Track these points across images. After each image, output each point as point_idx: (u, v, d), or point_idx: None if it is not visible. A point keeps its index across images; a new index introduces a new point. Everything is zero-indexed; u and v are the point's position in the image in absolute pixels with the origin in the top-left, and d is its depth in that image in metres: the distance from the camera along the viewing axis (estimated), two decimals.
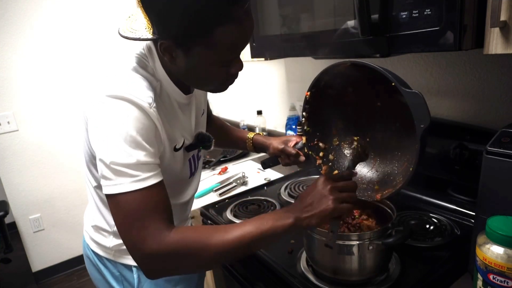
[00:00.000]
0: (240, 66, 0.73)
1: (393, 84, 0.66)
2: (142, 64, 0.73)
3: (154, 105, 0.69)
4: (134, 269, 0.89)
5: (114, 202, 0.66)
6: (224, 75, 0.73)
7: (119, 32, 0.70)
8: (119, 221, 0.66)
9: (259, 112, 1.98)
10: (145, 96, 0.68)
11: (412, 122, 0.65)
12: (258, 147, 1.12)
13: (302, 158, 0.98)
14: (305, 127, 0.86)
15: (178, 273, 0.77)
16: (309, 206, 0.70)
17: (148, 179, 0.66)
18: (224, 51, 0.66)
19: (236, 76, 0.76)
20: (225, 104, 2.48)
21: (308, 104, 0.84)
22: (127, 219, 0.65)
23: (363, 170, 0.87)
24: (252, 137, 1.13)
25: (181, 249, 0.65)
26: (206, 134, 0.90)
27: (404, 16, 0.75)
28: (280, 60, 1.83)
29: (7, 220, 2.30)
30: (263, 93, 2.06)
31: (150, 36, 0.65)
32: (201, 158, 0.99)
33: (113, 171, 0.65)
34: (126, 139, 0.64)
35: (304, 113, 0.85)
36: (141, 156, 0.66)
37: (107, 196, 0.67)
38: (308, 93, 0.84)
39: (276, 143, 1.05)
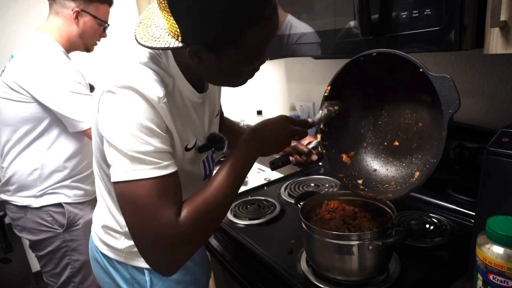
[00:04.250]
0: (264, 60, 0.74)
1: (421, 70, 0.66)
2: (155, 60, 0.72)
3: (164, 100, 0.67)
4: (146, 271, 0.87)
5: (128, 190, 0.63)
6: (249, 72, 0.74)
7: (138, 41, 0.66)
8: (132, 210, 0.64)
9: (259, 112, 1.98)
10: (155, 90, 0.66)
11: (436, 111, 0.65)
12: None
13: (314, 157, 0.95)
14: (321, 126, 0.86)
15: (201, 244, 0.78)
16: (269, 139, 0.80)
17: (169, 167, 0.66)
18: (255, 50, 0.67)
19: (258, 70, 0.76)
20: (225, 104, 2.47)
21: (327, 100, 0.84)
22: (145, 207, 0.63)
23: (381, 170, 0.87)
24: None
25: (197, 227, 0.67)
26: (219, 135, 0.88)
27: (404, 16, 0.75)
28: (280, 60, 1.83)
29: (7, 220, 2.30)
30: (263, 93, 2.06)
31: (179, 44, 0.63)
32: (215, 160, 0.97)
33: (131, 158, 0.63)
34: (141, 127, 0.63)
35: (321, 111, 0.84)
36: (158, 143, 0.65)
37: (120, 183, 0.64)
38: (328, 87, 0.83)
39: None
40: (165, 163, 0.65)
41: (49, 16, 1.40)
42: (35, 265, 2.60)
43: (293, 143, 0.97)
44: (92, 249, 0.96)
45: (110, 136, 0.65)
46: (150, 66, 0.70)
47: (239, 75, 0.73)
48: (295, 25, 1.06)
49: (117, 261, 0.88)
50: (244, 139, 0.77)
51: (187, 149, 0.78)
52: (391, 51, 0.71)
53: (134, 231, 0.65)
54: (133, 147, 0.63)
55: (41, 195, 1.42)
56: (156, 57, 0.72)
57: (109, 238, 0.88)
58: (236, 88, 0.80)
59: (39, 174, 1.41)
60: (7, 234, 2.29)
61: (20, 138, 1.38)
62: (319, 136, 0.88)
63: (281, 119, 0.82)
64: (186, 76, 0.74)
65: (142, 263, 0.86)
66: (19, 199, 1.43)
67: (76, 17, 1.39)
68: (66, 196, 1.45)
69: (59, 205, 1.42)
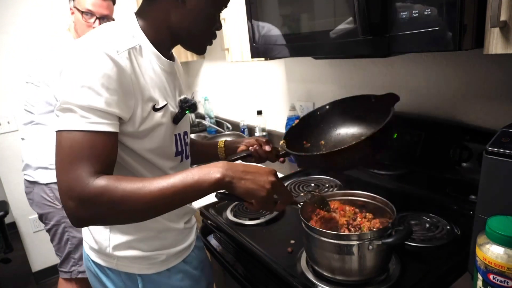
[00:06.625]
0: (220, 26, 0.85)
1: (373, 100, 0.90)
2: (123, 26, 0.76)
3: (126, 52, 0.70)
4: (138, 278, 0.85)
5: (58, 138, 0.66)
6: (211, 31, 0.83)
7: None
8: (57, 159, 0.66)
9: (259, 112, 1.98)
10: (114, 44, 0.69)
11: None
12: (230, 147, 1.10)
13: (268, 147, 1.04)
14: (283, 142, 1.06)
15: (102, 223, 0.77)
16: (248, 175, 0.69)
17: (98, 125, 0.66)
18: None
19: (215, 36, 0.85)
20: (225, 104, 2.48)
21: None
22: (64, 158, 0.64)
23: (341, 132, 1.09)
24: (224, 141, 1.12)
25: (102, 198, 0.63)
26: (188, 98, 0.88)
27: (404, 16, 0.75)
28: (280, 60, 1.83)
29: (7, 220, 2.30)
30: (263, 93, 2.06)
31: None
32: (188, 144, 0.96)
33: (65, 109, 0.65)
34: (84, 82, 0.65)
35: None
36: (95, 101, 0.65)
37: (56, 133, 0.67)
38: (283, 141, 1.05)
39: (249, 138, 1.09)
40: (96, 120, 0.65)
41: None
42: (35, 265, 2.60)
43: (254, 139, 1.07)
44: (85, 259, 0.95)
45: (58, 89, 0.69)
46: (116, 29, 0.74)
47: (206, 28, 0.81)
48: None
49: (108, 268, 0.86)
50: (215, 163, 0.70)
51: (155, 109, 0.77)
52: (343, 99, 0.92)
53: (57, 177, 0.66)
54: (68, 98, 0.65)
55: (47, 171, 1.60)
56: (124, 26, 0.77)
57: (97, 245, 0.86)
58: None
59: (49, 153, 1.59)
60: (7, 234, 2.29)
61: (38, 117, 1.58)
62: (282, 142, 1.03)
63: (271, 170, 0.74)
64: (154, 44, 0.79)
65: (135, 270, 0.85)
66: (29, 175, 1.64)
67: (73, 14, 1.65)
68: None
69: None
